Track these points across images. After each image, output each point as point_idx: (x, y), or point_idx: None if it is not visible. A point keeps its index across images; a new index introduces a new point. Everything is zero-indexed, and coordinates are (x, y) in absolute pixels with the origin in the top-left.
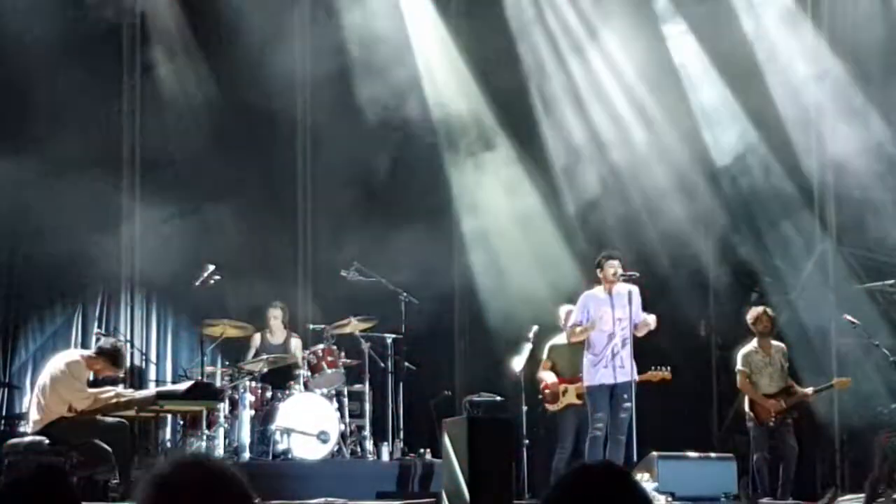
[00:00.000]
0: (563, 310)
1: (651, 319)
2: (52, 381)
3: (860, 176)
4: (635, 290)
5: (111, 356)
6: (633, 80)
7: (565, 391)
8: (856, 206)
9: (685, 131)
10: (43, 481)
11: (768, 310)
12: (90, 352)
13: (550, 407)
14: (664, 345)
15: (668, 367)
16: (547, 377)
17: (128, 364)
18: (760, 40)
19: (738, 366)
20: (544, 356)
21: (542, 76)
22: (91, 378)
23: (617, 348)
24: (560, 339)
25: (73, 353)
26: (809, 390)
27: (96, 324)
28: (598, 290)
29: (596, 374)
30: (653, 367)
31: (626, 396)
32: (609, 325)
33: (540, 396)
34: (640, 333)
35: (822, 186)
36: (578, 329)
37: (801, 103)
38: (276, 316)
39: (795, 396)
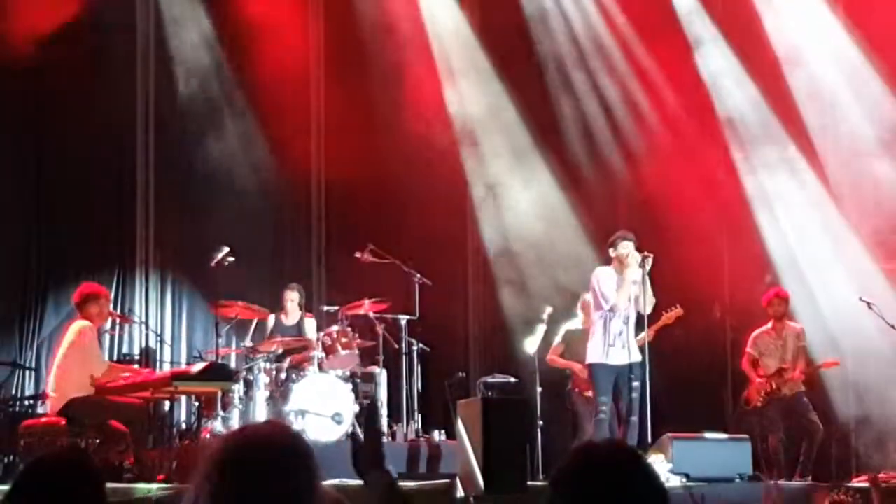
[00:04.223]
0: (586, 298)
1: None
2: (69, 353)
3: None
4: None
5: (88, 295)
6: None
7: None
8: None
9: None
10: (67, 462)
11: (780, 292)
12: (79, 314)
13: (589, 393)
14: (678, 326)
15: (676, 305)
16: (567, 365)
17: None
18: None
19: (747, 347)
20: (558, 340)
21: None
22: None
23: (626, 329)
24: (575, 323)
25: (77, 324)
26: (797, 371)
27: (111, 305)
28: (611, 270)
29: (607, 354)
30: (664, 312)
31: (633, 376)
32: (623, 306)
33: (576, 389)
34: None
35: None
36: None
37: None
38: (291, 298)
39: (783, 378)
